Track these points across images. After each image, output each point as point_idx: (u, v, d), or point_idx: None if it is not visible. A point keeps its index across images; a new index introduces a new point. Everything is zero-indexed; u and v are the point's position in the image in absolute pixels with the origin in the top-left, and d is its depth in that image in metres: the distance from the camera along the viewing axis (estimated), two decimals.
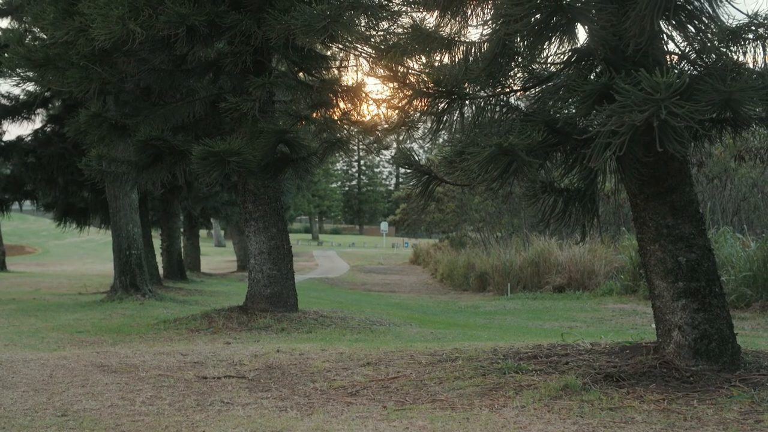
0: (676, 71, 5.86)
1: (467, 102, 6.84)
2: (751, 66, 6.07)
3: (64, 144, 19.03)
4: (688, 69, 6.27)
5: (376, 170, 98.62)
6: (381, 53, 7.77)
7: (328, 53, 13.17)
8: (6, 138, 21.60)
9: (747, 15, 6.03)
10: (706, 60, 6.15)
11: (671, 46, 6.39)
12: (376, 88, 35.15)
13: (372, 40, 10.29)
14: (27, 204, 25.43)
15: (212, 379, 6.95)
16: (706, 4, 5.95)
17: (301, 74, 12.79)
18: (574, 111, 6.34)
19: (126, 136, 12.04)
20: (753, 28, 5.94)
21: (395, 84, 6.86)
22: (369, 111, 12.60)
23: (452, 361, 7.22)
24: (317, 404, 5.92)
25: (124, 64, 11.47)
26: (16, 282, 23.95)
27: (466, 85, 6.68)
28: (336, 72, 13.18)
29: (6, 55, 13.64)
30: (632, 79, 5.28)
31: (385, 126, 11.73)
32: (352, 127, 12.29)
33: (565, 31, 5.96)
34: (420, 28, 7.03)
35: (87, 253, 50.35)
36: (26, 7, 16.05)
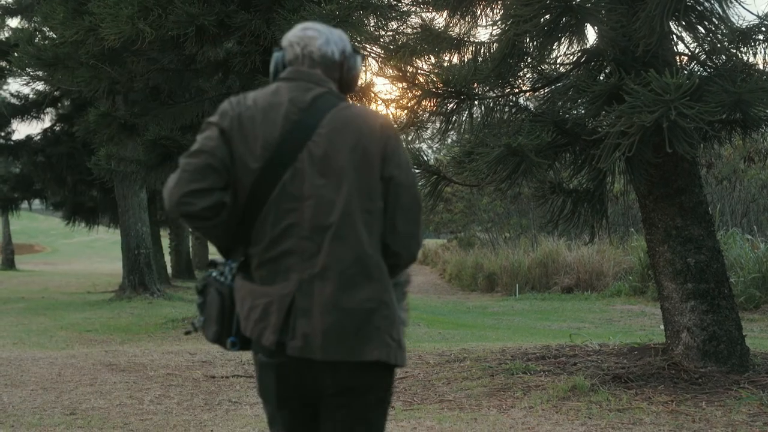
0: (685, 72, 5.86)
1: (476, 102, 6.84)
2: (761, 67, 6.07)
3: (73, 143, 19.05)
4: (698, 70, 6.27)
5: None
6: (390, 53, 7.80)
7: None
8: (15, 137, 21.60)
9: (757, 16, 6.02)
10: (716, 61, 6.15)
11: (681, 47, 6.39)
12: (385, 88, 35.09)
13: (381, 40, 10.29)
14: (36, 203, 25.42)
15: (220, 378, 6.96)
16: (716, 5, 5.94)
17: None
18: (583, 112, 6.34)
19: (135, 136, 12.04)
20: (763, 29, 5.93)
21: (404, 84, 6.87)
22: (378, 111, 12.58)
23: (460, 362, 7.21)
24: None
25: (134, 63, 11.49)
26: (25, 281, 24.01)
27: (475, 85, 6.68)
28: None
29: (16, 54, 13.71)
30: (642, 80, 5.27)
31: (394, 126, 11.70)
32: None
33: (574, 31, 5.97)
34: (429, 29, 7.04)
35: (96, 253, 50.38)
36: (36, 7, 16.12)
